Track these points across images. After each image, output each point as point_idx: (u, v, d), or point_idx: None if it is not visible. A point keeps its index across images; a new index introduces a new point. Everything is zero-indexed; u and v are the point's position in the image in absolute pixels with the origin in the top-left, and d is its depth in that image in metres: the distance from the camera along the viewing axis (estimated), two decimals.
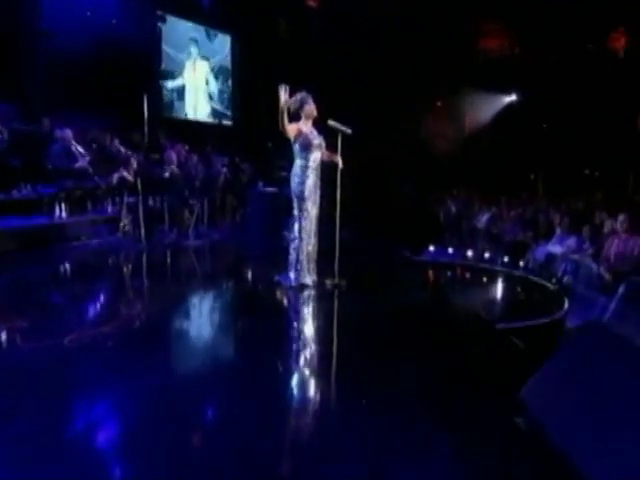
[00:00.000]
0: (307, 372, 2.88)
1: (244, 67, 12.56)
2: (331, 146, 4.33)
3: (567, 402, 1.90)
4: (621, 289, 5.08)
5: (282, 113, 3.96)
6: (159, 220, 6.74)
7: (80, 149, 6.89)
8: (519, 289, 4.99)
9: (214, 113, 12.36)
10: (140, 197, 6.20)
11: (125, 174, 6.57)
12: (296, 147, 4.18)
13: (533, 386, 2.07)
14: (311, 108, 4.15)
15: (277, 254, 5.13)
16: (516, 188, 16.44)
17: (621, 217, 5.69)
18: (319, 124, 4.31)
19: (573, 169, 18.50)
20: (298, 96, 4.17)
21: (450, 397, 2.44)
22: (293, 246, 4.25)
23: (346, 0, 11.28)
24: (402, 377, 2.65)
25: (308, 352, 3.15)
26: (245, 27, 12.23)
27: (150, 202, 6.89)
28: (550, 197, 15.50)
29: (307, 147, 4.13)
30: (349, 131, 4.23)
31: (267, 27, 11.95)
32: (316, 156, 4.19)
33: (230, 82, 12.67)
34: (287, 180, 5.38)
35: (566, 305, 4.13)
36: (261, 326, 3.44)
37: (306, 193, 4.13)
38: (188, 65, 11.53)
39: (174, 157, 7.04)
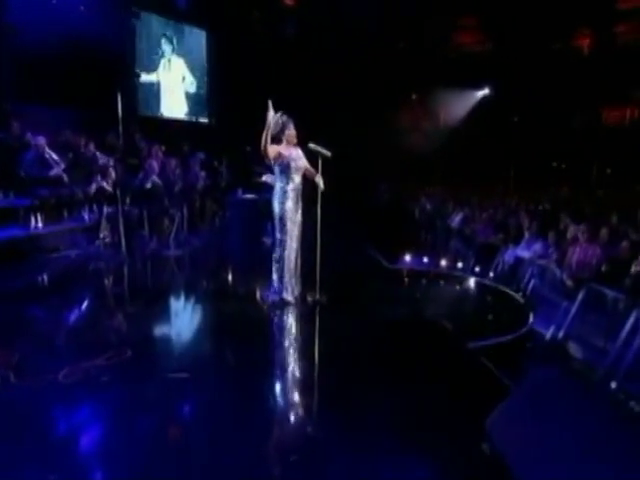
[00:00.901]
0: (286, 394, 3.09)
1: (220, 64, 12.41)
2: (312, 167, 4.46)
3: (525, 437, 2.15)
4: (581, 295, 5.49)
5: (267, 129, 4.08)
6: (139, 228, 6.73)
7: (54, 156, 6.75)
8: (489, 300, 5.28)
9: (191, 112, 12.20)
10: (120, 208, 6.17)
11: (104, 184, 6.51)
12: (276, 169, 4.31)
13: (496, 419, 2.33)
14: (292, 133, 4.28)
15: (258, 263, 5.25)
16: (489, 180, 17.04)
17: (582, 227, 6.06)
18: (300, 146, 4.44)
19: (542, 162, 19.25)
20: (280, 120, 4.27)
21: (422, 421, 2.66)
22: (276, 265, 4.40)
23: None
24: (375, 401, 2.85)
25: (288, 372, 3.37)
26: (221, 23, 12.04)
27: (127, 207, 6.80)
28: (520, 191, 16.10)
29: (287, 170, 4.27)
30: (329, 154, 4.36)
31: (243, 23, 11.80)
32: (296, 178, 4.33)
33: (206, 80, 12.49)
34: (266, 185, 5.54)
35: (531, 319, 4.44)
36: (243, 346, 3.58)
37: (287, 215, 4.28)
38: (163, 63, 11.31)
39: (155, 166, 6.99)
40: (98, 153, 7.39)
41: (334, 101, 12.84)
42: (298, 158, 4.34)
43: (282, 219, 4.27)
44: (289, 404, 2.99)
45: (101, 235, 6.24)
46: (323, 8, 11.49)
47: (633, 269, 5.23)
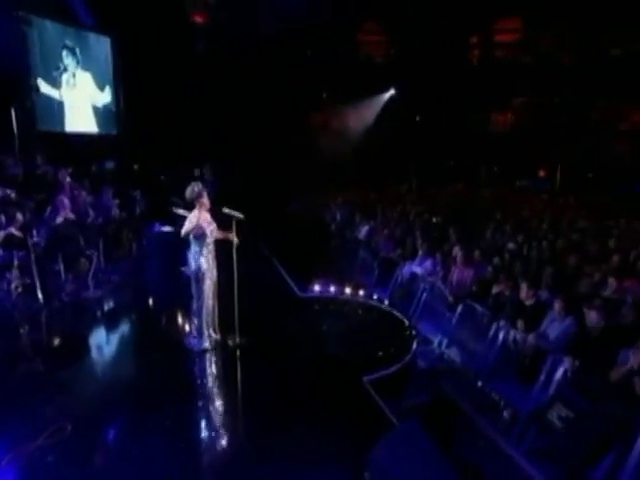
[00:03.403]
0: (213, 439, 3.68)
1: (129, 75, 11.99)
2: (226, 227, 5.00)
3: (397, 473, 2.98)
4: (459, 309, 6.72)
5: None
6: (54, 269, 6.66)
7: None
8: (384, 327, 6.21)
9: (100, 126, 11.71)
10: (32, 253, 6.10)
11: (12, 230, 6.30)
12: (191, 236, 4.79)
13: (376, 452, 3.14)
14: (205, 201, 4.79)
15: (179, 296, 5.57)
16: (395, 178, 18.47)
17: (460, 253, 7.28)
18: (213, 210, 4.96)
19: (440, 160, 21.27)
20: (195, 188, 4.75)
21: (319, 453, 3.43)
22: (195, 318, 4.93)
23: (231, 16, 11.41)
24: (282, 439, 3.52)
25: (214, 419, 3.96)
26: (126, 32, 11.59)
27: (40, 249, 6.67)
28: (421, 189, 17.71)
29: (202, 237, 4.79)
30: (241, 216, 4.92)
31: (150, 34, 11.51)
32: (210, 243, 4.88)
33: (114, 92, 12.00)
34: (183, 218, 5.97)
35: (414, 347, 5.45)
36: (172, 398, 4.07)
37: (203, 276, 4.81)
38: (66, 78, 10.68)
39: (66, 202, 6.89)
40: None
41: (246, 113, 13.13)
42: (211, 224, 4.86)
43: (199, 281, 4.79)
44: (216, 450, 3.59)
45: (13, 285, 6.10)
46: (233, 25, 11.63)
47: (494, 290, 6.51)
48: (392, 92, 20.55)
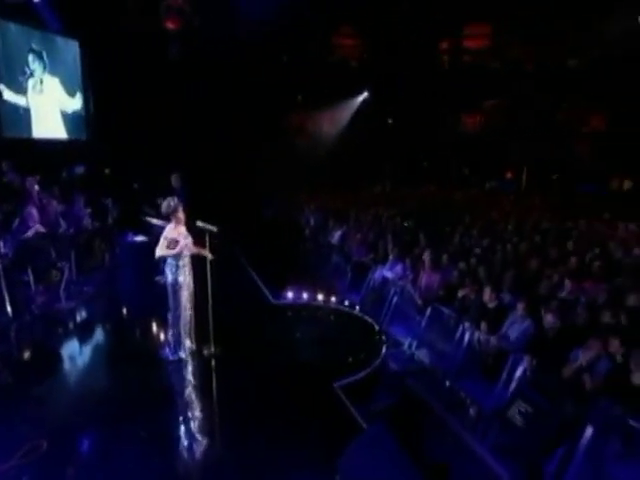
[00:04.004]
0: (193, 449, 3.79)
1: (98, 78, 11.79)
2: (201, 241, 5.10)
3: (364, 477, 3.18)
4: (427, 312, 6.99)
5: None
6: (23, 280, 6.57)
7: None
8: (355, 333, 6.42)
9: (69, 132, 11.46)
10: (0, 266, 6.02)
11: None
12: None
13: (346, 457, 3.33)
14: (181, 215, 4.87)
15: (154, 307, 5.62)
16: (369, 181, 18.76)
17: (427, 257, 7.55)
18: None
19: (414, 162, 21.73)
20: (171, 202, 4.84)
21: (293, 458, 3.60)
22: (172, 328, 5.01)
23: (205, 20, 11.42)
24: (255, 449, 3.67)
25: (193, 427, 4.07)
26: (94, 36, 11.39)
27: (8, 261, 6.56)
28: (395, 190, 18.06)
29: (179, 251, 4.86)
30: (215, 229, 5.04)
31: (119, 38, 11.36)
32: (186, 255, 4.96)
33: (83, 97, 11.78)
34: (155, 226, 6.01)
35: (384, 351, 5.67)
36: (151, 410, 4.15)
37: (181, 287, 4.90)
38: (32, 83, 10.40)
39: (35, 213, 6.79)
40: None
41: (220, 117, 13.13)
42: (186, 237, 4.95)
43: (176, 292, 4.88)
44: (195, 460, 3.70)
45: None
46: (207, 29, 11.61)
47: (460, 294, 6.81)
48: (365, 95, 20.88)
